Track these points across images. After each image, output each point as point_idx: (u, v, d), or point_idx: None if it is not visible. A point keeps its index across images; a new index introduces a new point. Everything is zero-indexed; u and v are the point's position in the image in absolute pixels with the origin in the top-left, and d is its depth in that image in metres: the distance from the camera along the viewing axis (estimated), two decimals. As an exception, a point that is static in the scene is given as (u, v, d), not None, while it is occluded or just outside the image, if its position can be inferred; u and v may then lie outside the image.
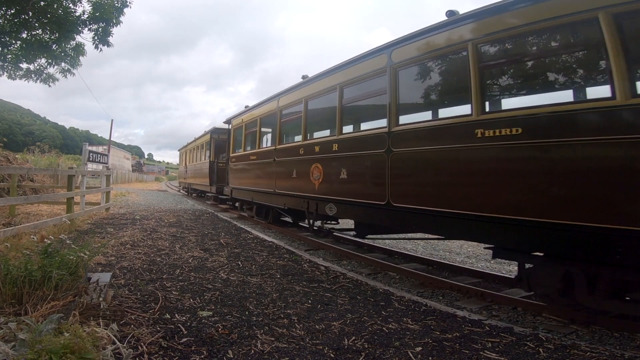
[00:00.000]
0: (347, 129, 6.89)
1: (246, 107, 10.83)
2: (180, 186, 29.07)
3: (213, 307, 3.31)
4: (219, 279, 4.23)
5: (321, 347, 2.63)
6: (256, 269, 4.80)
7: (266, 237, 7.32)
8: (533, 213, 3.50)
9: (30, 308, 2.62)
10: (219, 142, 15.70)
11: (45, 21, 9.05)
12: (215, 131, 15.93)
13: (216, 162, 15.32)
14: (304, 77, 7.54)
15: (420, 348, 2.69)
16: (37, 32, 9.36)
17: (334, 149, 6.22)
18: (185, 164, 23.24)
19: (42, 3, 8.76)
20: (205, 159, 16.59)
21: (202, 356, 2.39)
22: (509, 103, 4.70)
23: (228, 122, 12.50)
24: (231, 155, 11.71)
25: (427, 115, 5.62)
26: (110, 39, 9.59)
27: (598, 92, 3.98)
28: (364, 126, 7.01)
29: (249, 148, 10.65)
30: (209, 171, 15.40)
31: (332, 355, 2.53)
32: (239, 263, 5.07)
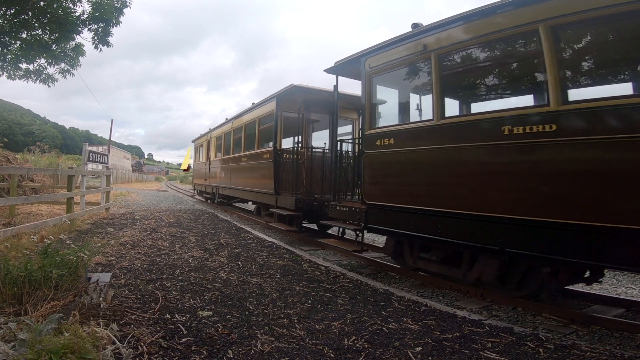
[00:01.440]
0: None
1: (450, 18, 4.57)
2: (195, 190, 20.76)
3: (213, 307, 3.31)
4: (219, 279, 4.23)
5: (321, 347, 2.63)
6: (256, 269, 4.80)
7: (266, 237, 7.31)
8: None
9: (30, 308, 2.62)
10: (290, 120, 9.10)
11: (45, 21, 9.04)
12: (287, 95, 8.46)
13: (295, 154, 8.24)
14: None
15: (420, 348, 2.69)
16: (37, 32, 9.36)
17: None
18: (208, 159, 16.01)
19: (42, 3, 8.76)
20: (262, 147, 9.83)
21: (202, 356, 2.39)
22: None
23: (354, 63, 5.78)
24: (370, 132, 5.35)
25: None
26: (110, 39, 9.61)
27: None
28: None
29: (489, 105, 5.21)
30: (273, 169, 8.56)
31: (332, 355, 2.53)
32: (239, 263, 5.07)
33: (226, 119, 13.74)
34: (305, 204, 7.68)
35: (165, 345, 2.47)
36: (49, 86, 10.50)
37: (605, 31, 3.68)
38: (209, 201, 16.80)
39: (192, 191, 22.21)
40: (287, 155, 8.61)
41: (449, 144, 4.28)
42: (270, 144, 9.21)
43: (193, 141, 20.41)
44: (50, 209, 9.87)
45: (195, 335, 2.69)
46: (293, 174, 8.18)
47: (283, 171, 8.55)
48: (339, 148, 6.77)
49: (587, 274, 4.01)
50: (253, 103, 10.80)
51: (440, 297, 4.51)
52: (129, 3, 9.42)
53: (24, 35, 9.31)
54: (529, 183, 3.60)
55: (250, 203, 12.32)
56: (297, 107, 8.38)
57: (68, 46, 10.04)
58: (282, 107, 8.86)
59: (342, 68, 6.23)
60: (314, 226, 8.74)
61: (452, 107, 4.73)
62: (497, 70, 4.79)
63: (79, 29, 9.41)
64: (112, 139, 40.25)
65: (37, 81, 10.34)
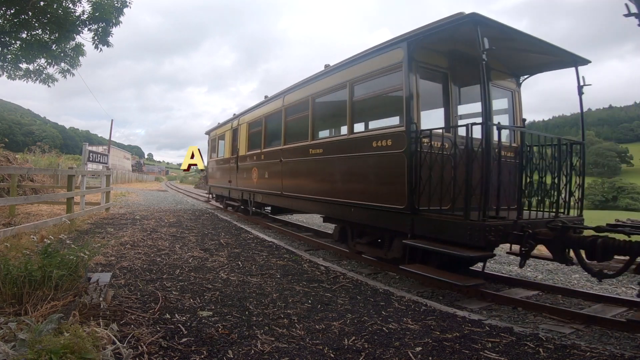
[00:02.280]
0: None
1: None
2: (211, 194, 16.17)
3: (213, 307, 3.31)
4: (219, 279, 4.23)
5: (321, 347, 2.63)
6: (256, 269, 4.80)
7: (266, 237, 7.31)
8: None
9: (30, 308, 2.62)
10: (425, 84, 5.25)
11: (45, 21, 9.05)
12: (438, 34, 4.61)
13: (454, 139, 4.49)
14: None
15: (420, 348, 2.69)
16: (37, 32, 9.37)
17: None
18: (234, 154, 11.57)
19: (42, 3, 8.76)
20: (355, 130, 6.15)
21: (202, 356, 2.39)
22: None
23: None
24: None
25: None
26: (111, 39, 9.62)
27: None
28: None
29: None
30: (406, 167, 4.76)
31: (332, 355, 2.53)
32: (239, 263, 5.07)
33: (265, 97, 9.55)
34: (500, 234, 4.12)
35: (165, 345, 2.47)
36: (48, 86, 10.53)
37: None
38: (228, 209, 12.93)
39: (207, 195, 17.46)
40: (441, 144, 4.57)
41: None
42: (388, 121, 6.11)
43: (207, 132, 15.96)
44: (50, 209, 9.87)
45: (195, 335, 2.69)
46: (453, 175, 4.39)
47: (433, 171, 4.50)
48: None
49: None
50: (326, 66, 6.75)
51: (440, 297, 4.51)
52: (129, 3, 9.43)
53: (24, 35, 9.32)
54: None
55: (319, 218, 8.01)
56: (473, 54, 4.41)
57: (68, 46, 10.04)
58: (419, 58, 4.97)
59: None
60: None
61: None
62: None
63: (79, 29, 9.42)
64: (112, 139, 40.27)
65: (37, 81, 10.35)
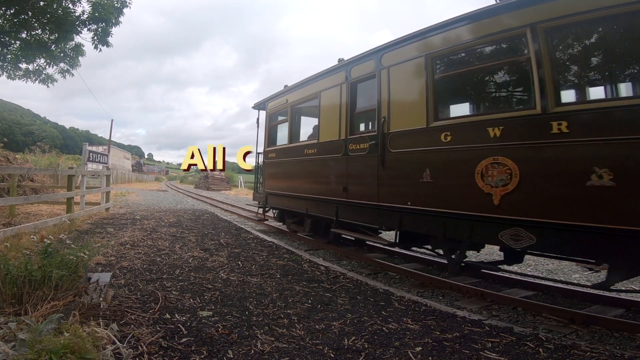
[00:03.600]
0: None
1: None
2: (265, 206, 9.03)
3: (213, 307, 3.31)
4: (219, 279, 4.23)
5: (321, 347, 2.63)
6: (256, 269, 4.80)
7: (266, 237, 7.31)
8: None
9: (30, 308, 2.62)
10: None
11: (44, 21, 9.05)
12: None
13: None
14: None
15: (420, 348, 2.69)
16: (37, 32, 9.36)
17: None
18: (367, 130, 5.89)
19: (41, 3, 8.76)
20: None
21: (202, 356, 2.39)
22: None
23: None
24: None
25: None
26: (110, 39, 9.61)
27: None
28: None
29: None
30: None
31: (332, 355, 2.53)
32: (239, 263, 5.07)
33: None
34: None
35: (165, 345, 2.47)
36: (47, 86, 10.50)
37: None
38: (298, 234, 8.01)
39: (257, 210, 9.90)
40: None
41: None
42: None
43: (258, 106, 9.41)
44: (50, 209, 9.87)
45: (195, 335, 2.69)
46: None
47: None
48: None
49: None
50: None
51: (440, 297, 4.51)
52: (129, 3, 9.42)
53: (23, 35, 9.31)
54: None
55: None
56: None
57: (68, 46, 10.04)
58: None
59: None
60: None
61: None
62: None
63: (79, 29, 9.41)
64: (113, 139, 40.31)
65: (37, 81, 10.33)
